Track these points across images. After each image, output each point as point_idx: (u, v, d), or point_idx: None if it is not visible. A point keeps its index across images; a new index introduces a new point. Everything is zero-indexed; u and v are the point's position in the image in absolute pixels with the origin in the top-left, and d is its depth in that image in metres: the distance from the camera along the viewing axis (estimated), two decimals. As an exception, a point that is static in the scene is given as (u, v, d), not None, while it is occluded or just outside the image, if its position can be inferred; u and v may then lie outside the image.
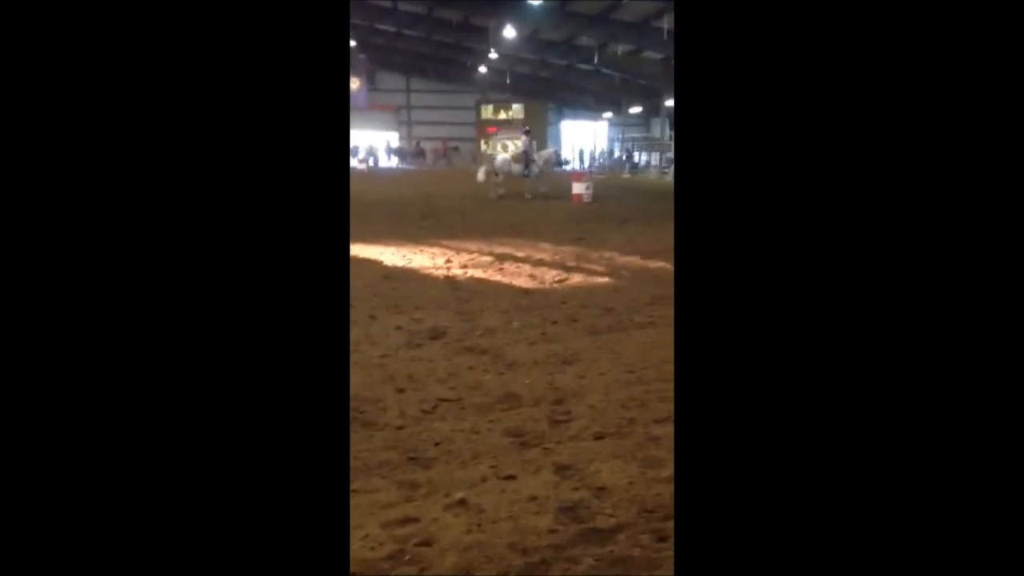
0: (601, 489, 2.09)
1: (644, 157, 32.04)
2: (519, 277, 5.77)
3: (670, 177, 23.99)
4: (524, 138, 15.34)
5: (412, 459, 2.30)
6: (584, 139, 38.21)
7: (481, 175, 14.82)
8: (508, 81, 33.49)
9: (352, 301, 4.64)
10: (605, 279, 5.74)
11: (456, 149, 36.71)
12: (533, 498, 2.03)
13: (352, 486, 2.09)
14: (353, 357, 3.40)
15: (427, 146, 37.37)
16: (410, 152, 37.19)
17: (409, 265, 6.33)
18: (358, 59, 34.63)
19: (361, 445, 2.39)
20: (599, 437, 2.48)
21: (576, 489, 2.09)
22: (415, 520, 1.92)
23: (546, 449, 2.38)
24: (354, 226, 9.62)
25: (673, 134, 29.79)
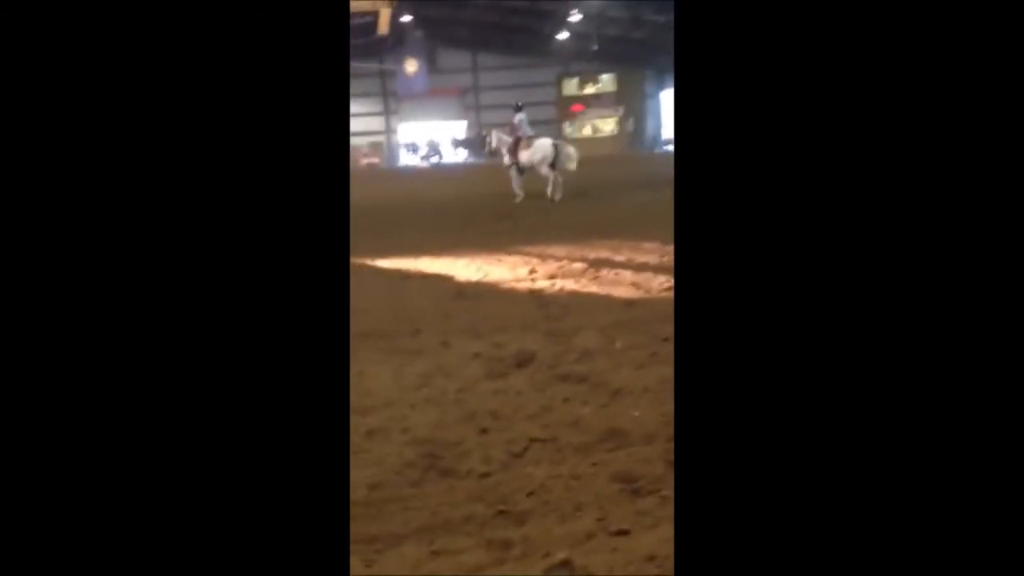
0: (736, 545, 2.05)
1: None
2: (619, 286, 5.76)
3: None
4: (518, 116, 14.26)
5: (502, 512, 2.33)
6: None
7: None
8: (595, 47, 33.48)
9: (420, 325, 4.75)
10: (728, 283, 5.64)
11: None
12: (651, 557, 2.02)
13: (433, 546, 2.14)
14: (425, 393, 3.49)
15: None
16: (479, 142, 37.76)
17: (486, 279, 6.43)
18: (414, 37, 35.42)
19: (440, 497, 2.44)
20: (730, 480, 2.44)
21: (704, 545, 2.07)
22: (509, 586, 1.95)
23: (663, 497, 2.36)
24: (417, 236, 9.77)
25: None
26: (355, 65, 34.88)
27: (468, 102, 39.71)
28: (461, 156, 37.45)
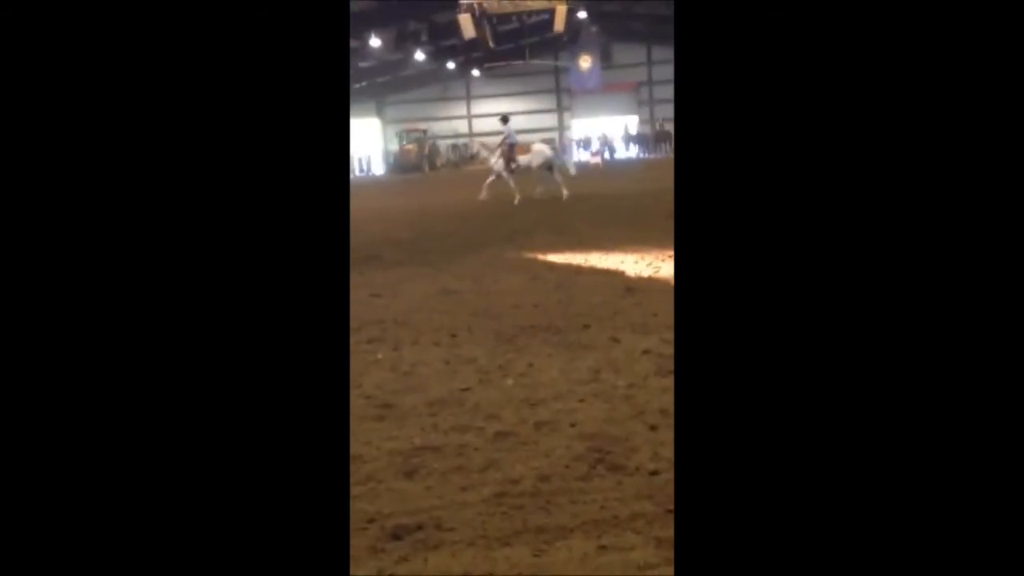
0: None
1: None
2: (799, 286, 5.51)
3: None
4: (506, 127, 15.57)
5: (672, 512, 2.29)
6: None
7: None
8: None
9: (589, 321, 4.76)
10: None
11: None
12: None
13: (601, 541, 2.14)
14: (594, 387, 3.49)
15: (672, 128, 37.09)
16: (652, 137, 37.18)
17: (656, 275, 6.35)
18: (590, 33, 35.44)
19: (609, 493, 2.44)
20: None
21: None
22: (678, 587, 1.91)
23: (845, 508, 2.24)
24: (587, 231, 9.79)
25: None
26: (530, 62, 35.38)
27: (642, 96, 39.25)
28: (633, 151, 37.09)
